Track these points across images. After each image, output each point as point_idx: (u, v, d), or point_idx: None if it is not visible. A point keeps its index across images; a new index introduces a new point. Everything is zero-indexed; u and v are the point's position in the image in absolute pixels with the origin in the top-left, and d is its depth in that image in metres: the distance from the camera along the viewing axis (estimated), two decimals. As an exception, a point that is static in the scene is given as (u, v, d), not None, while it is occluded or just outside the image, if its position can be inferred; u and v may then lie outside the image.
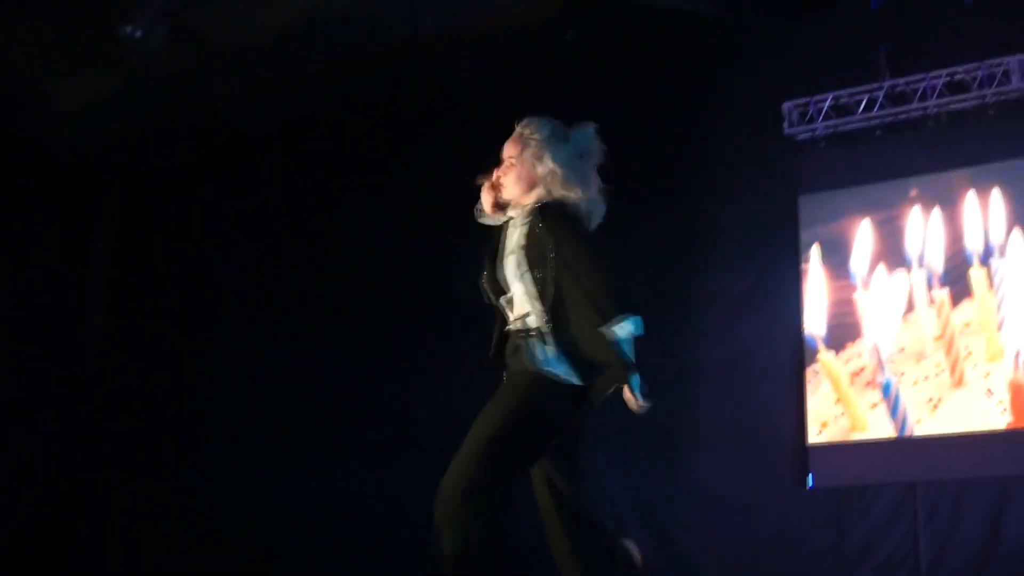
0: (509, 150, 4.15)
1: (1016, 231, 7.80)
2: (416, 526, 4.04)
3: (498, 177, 4.13)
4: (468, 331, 9.08)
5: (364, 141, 10.17)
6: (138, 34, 8.55)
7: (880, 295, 8.15)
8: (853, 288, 8.24)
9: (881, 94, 8.32)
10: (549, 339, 3.86)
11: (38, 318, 10.41)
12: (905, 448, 7.90)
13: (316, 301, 10.15)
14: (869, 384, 8.04)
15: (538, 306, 3.90)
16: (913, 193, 8.19)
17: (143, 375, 10.61)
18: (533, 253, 3.93)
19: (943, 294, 7.95)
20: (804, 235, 8.43)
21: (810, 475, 8.06)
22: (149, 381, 10.56)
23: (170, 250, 10.89)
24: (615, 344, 3.75)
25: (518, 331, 3.96)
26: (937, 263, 8.01)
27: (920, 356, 7.94)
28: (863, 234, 8.27)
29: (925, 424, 7.83)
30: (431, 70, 9.90)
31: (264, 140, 10.51)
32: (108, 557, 9.96)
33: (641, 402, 3.76)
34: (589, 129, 4.16)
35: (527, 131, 4.13)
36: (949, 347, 7.86)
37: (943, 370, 7.85)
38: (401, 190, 9.85)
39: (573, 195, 4.03)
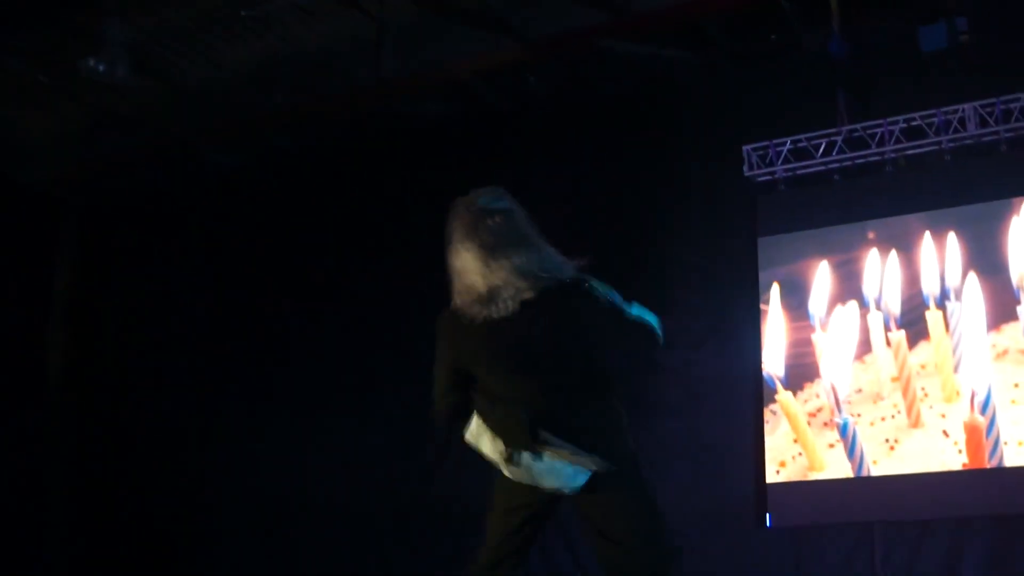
0: None
1: (971, 275, 7.91)
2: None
3: None
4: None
5: (328, 179, 10.22)
6: (101, 67, 8.56)
7: (838, 336, 8.22)
8: (811, 329, 8.31)
9: (840, 139, 8.45)
10: None
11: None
12: (863, 488, 7.93)
13: (274, 336, 10.17)
14: (827, 424, 8.09)
15: None
16: (871, 236, 8.29)
17: (102, 402, 10.60)
18: None
19: (900, 336, 8.03)
20: (763, 276, 8.52)
21: (768, 515, 8.09)
22: (108, 407, 10.55)
23: (130, 281, 10.86)
24: None
25: None
26: (894, 305, 8.10)
27: (877, 397, 8.01)
28: (821, 276, 8.36)
29: (882, 464, 7.88)
30: (395, 112, 9.97)
31: (230, 175, 10.53)
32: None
33: None
34: None
35: None
36: (906, 388, 7.93)
37: (900, 411, 7.92)
38: (365, 227, 9.89)
39: None
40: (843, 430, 8.01)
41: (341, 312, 9.96)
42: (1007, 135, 8.05)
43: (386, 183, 9.98)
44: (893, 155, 8.35)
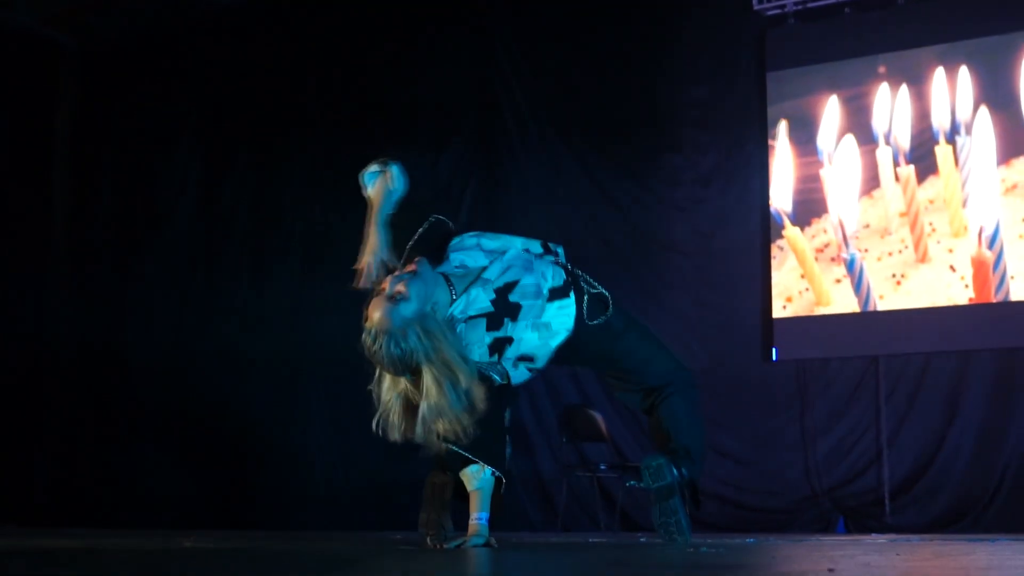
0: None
1: (983, 109, 7.87)
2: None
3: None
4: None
5: (333, 21, 9.93)
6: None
7: (846, 171, 8.20)
8: (820, 164, 8.29)
9: (851, -30, 8.31)
10: None
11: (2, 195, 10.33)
12: (869, 322, 8.02)
13: (277, 178, 10.04)
14: (834, 259, 8.14)
15: None
16: (881, 70, 8.21)
17: (105, 244, 10.52)
18: None
19: (909, 171, 8.02)
20: (772, 111, 8.45)
21: (774, 349, 8.17)
22: (111, 249, 10.47)
23: (131, 121, 10.64)
24: None
25: None
26: (904, 140, 8.07)
27: (885, 232, 8.04)
28: (831, 111, 8.30)
29: (888, 299, 7.95)
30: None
31: (233, 13, 10.21)
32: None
33: None
34: None
35: None
36: (914, 223, 7.95)
37: (907, 246, 7.96)
38: (369, 67, 9.72)
39: None
40: (850, 265, 8.06)
41: (343, 151, 9.79)
42: (1023, -34, 7.93)
43: (393, 25, 9.75)
44: (906, -14, 8.23)
